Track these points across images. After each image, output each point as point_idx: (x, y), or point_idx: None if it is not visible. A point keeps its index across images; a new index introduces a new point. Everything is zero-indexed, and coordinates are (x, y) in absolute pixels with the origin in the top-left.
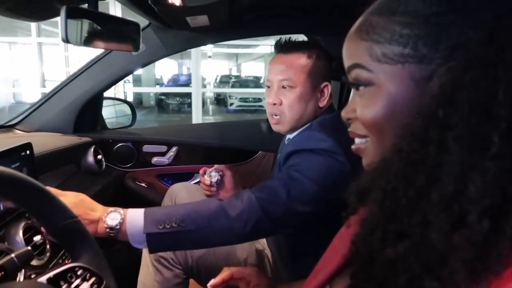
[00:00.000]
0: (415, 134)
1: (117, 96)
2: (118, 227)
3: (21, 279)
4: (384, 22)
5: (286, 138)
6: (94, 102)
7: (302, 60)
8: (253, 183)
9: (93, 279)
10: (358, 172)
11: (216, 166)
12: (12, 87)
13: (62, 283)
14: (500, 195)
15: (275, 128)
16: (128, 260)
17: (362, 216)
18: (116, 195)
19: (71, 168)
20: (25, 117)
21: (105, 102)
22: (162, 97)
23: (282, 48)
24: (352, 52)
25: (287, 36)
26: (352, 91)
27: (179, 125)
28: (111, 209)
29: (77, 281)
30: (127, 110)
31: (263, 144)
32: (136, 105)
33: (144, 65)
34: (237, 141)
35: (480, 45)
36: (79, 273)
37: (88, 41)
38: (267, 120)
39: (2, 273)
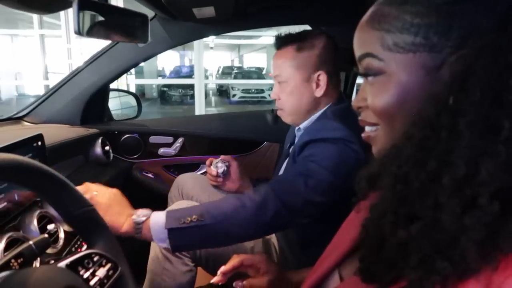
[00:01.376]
0: (427, 121)
1: (120, 88)
2: (143, 220)
3: (37, 265)
4: (396, 11)
5: (297, 128)
6: (101, 93)
7: (289, 54)
8: (258, 174)
9: (109, 265)
10: (371, 160)
11: (222, 156)
12: (14, 79)
13: (80, 268)
14: (510, 178)
15: (282, 119)
16: (138, 248)
17: (372, 201)
18: (124, 186)
19: (79, 159)
20: (33, 109)
21: (110, 94)
22: (165, 88)
23: (275, 43)
24: (363, 41)
25: (287, 29)
26: (363, 80)
27: (185, 116)
28: (141, 210)
29: (94, 267)
30: (132, 101)
31: (268, 135)
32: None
33: (149, 56)
34: (243, 132)
35: (491, 33)
36: (95, 259)
37: (98, 33)
38: (272, 110)
39: (21, 259)
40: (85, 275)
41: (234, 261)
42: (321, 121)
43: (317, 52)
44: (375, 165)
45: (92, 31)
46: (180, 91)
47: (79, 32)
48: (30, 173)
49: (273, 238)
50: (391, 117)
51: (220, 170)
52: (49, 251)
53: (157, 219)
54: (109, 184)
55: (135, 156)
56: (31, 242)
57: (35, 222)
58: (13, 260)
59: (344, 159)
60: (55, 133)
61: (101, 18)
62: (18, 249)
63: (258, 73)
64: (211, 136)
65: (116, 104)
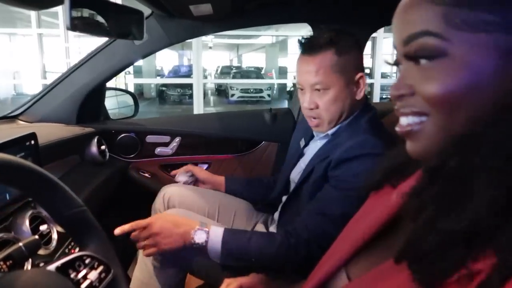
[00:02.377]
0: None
1: (116, 87)
2: (204, 245)
3: (29, 267)
4: None
5: (323, 134)
6: (97, 92)
7: (330, 58)
8: (256, 173)
9: (101, 268)
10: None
11: (183, 168)
12: (12, 78)
13: (70, 271)
14: None
15: (315, 130)
16: (124, 252)
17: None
18: (120, 186)
19: (74, 158)
20: (28, 107)
21: (107, 93)
22: (163, 88)
23: (307, 49)
24: (418, 17)
25: (285, 27)
26: (403, 64)
27: (182, 115)
28: (198, 226)
29: (85, 270)
30: (129, 100)
31: (266, 134)
32: (137, 96)
33: (146, 54)
34: (240, 131)
35: None
36: (87, 261)
37: (91, 30)
38: (270, 110)
39: (10, 261)
40: (76, 278)
41: (232, 286)
42: (362, 136)
43: (354, 54)
44: (436, 158)
45: (85, 28)
46: (179, 90)
47: (71, 28)
48: (19, 172)
49: None
50: (451, 105)
51: (182, 181)
52: (41, 252)
53: (215, 246)
54: (105, 183)
55: (132, 156)
56: (20, 244)
57: (27, 222)
58: (1, 263)
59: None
60: (50, 132)
61: (95, 15)
62: (8, 251)
63: (257, 73)
64: (208, 135)
65: (113, 103)
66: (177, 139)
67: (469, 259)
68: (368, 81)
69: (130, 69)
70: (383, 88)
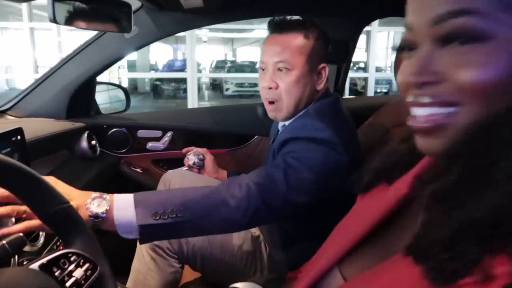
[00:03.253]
0: None
1: (108, 82)
2: (104, 215)
3: (15, 265)
4: None
5: (281, 125)
6: (87, 86)
7: (299, 40)
8: (249, 168)
9: (87, 265)
10: (355, 162)
11: (196, 149)
12: (4, 73)
13: (55, 269)
14: None
15: (271, 115)
16: (122, 246)
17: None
18: (111, 181)
19: (64, 153)
20: (17, 102)
21: (98, 88)
22: (157, 82)
23: (277, 27)
24: None
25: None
26: (429, 46)
27: (174, 110)
28: (94, 194)
29: (71, 267)
30: (121, 95)
31: (259, 128)
32: (131, 91)
33: (137, 48)
34: (233, 126)
35: None
36: (72, 259)
37: (77, 22)
38: (263, 104)
39: None
40: (60, 276)
41: None
42: (304, 119)
43: (321, 43)
44: (451, 147)
45: (70, 20)
46: (173, 85)
47: (54, 20)
48: (2, 169)
49: (262, 236)
50: (488, 94)
51: (191, 162)
52: (28, 249)
53: (123, 211)
54: (96, 179)
55: (123, 151)
56: (4, 242)
57: (12, 219)
58: None
59: (327, 159)
60: (39, 127)
61: (81, 6)
62: None
63: (251, 67)
64: (200, 130)
65: (105, 98)
66: (169, 134)
67: (485, 257)
68: (363, 75)
69: (124, 63)
70: (377, 82)
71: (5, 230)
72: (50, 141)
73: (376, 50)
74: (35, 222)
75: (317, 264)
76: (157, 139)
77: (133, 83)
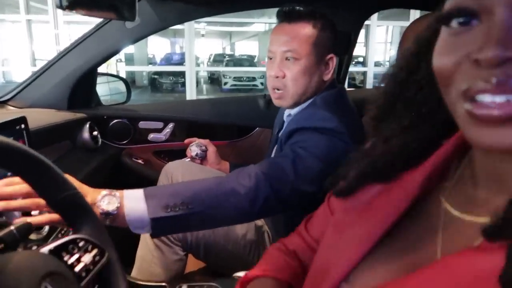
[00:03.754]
0: None
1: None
2: (115, 212)
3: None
4: None
5: (287, 114)
6: (88, 77)
7: (307, 30)
8: (251, 159)
9: (95, 251)
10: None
11: (198, 140)
12: (1, 66)
13: (63, 254)
14: None
15: (276, 102)
16: (127, 234)
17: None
18: (113, 172)
19: (66, 144)
20: (18, 92)
21: (98, 80)
22: (155, 76)
23: (286, 17)
24: None
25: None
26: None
27: (175, 101)
28: (104, 192)
29: (79, 253)
30: (121, 87)
31: (260, 120)
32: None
33: (138, 38)
34: (234, 117)
35: None
36: (80, 244)
37: (81, 8)
38: (264, 96)
39: (2, 245)
40: (70, 261)
41: None
42: (311, 109)
43: (329, 33)
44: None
45: (75, 5)
46: (171, 78)
47: (60, 6)
48: (9, 153)
49: (266, 225)
50: None
51: (193, 153)
52: (33, 237)
53: (134, 206)
54: (98, 170)
55: (125, 142)
56: (12, 227)
57: (16, 213)
58: None
59: (334, 149)
60: (41, 117)
61: None
62: None
63: (249, 61)
64: (202, 121)
65: (105, 90)
66: (170, 125)
67: None
68: (362, 69)
69: (122, 56)
70: (376, 76)
71: (30, 219)
72: (52, 131)
73: (375, 44)
74: (57, 216)
75: (323, 284)
76: (159, 131)
77: (131, 76)
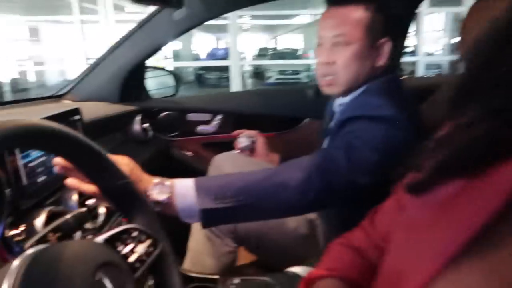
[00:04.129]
0: None
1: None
2: (166, 201)
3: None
4: None
5: (338, 103)
6: (138, 70)
7: (358, 13)
8: (300, 151)
9: (148, 241)
10: (421, 139)
11: (247, 132)
12: (58, 65)
13: (118, 244)
14: None
15: (326, 90)
16: (178, 226)
17: None
18: (163, 164)
19: (118, 136)
20: (72, 87)
21: (146, 74)
22: (201, 72)
23: (336, 1)
24: None
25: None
26: None
27: (223, 93)
28: (156, 180)
29: (133, 243)
30: (169, 81)
31: (310, 111)
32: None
33: (185, 30)
34: (282, 109)
35: None
36: (134, 235)
37: None
38: (312, 86)
39: (59, 233)
40: (123, 251)
41: None
42: (364, 97)
43: (382, 16)
44: None
45: None
46: (216, 73)
47: None
48: (66, 142)
49: (318, 219)
50: None
51: (242, 145)
52: (89, 226)
53: (185, 196)
54: (149, 161)
55: (174, 134)
56: (68, 216)
57: (74, 197)
58: (50, 234)
59: (391, 139)
60: (94, 109)
61: None
62: (56, 223)
63: (293, 54)
64: (249, 113)
65: (153, 85)
66: (218, 117)
67: None
68: (412, 59)
69: (169, 53)
70: (428, 67)
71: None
72: (105, 122)
73: (426, 33)
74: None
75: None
76: (207, 123)
77: (177, 72)
